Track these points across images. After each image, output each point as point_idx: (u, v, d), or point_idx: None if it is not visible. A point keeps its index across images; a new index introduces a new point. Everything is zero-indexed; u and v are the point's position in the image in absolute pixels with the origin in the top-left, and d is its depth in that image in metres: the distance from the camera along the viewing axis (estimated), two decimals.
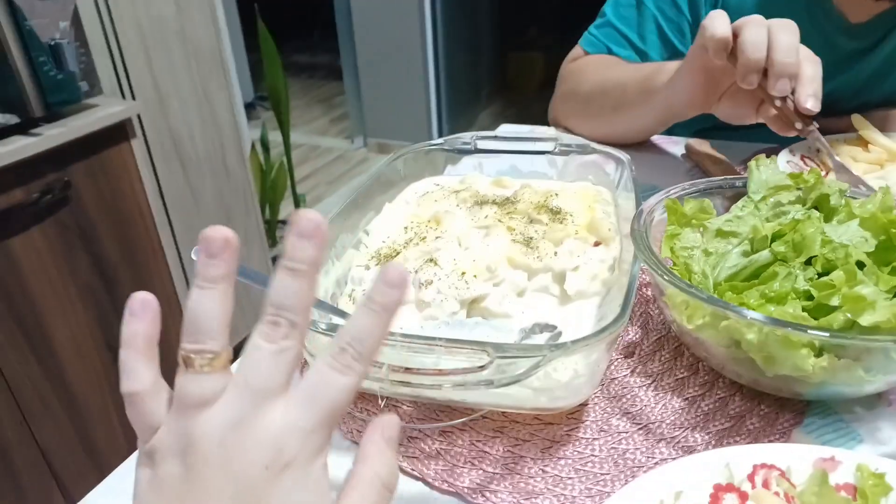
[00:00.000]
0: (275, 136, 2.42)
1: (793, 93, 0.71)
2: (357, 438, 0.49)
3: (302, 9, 5.08)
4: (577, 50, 1.08)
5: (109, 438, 1.50)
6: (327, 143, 3.93)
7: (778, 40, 0.70)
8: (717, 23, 0.73)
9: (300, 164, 3.58)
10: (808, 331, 0.40)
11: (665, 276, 0.47)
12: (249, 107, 3.87)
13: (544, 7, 4.13)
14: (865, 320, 0.41)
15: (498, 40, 4.22)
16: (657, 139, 1.02)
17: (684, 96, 0.82)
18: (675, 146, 0.99)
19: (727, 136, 0.98)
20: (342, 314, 0.52)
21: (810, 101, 0.70)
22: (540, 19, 4.18)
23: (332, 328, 0.44)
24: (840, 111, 0.92)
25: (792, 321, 0.41)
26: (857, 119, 0.84)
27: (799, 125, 0.73)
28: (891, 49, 0.91)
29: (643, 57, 1.00)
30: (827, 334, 0.40)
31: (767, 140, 0.90)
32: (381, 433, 0.30)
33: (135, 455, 0.36)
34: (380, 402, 0.50)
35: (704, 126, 1.02)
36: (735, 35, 0.72)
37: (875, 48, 0.91)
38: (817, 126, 0.74)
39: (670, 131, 1.04)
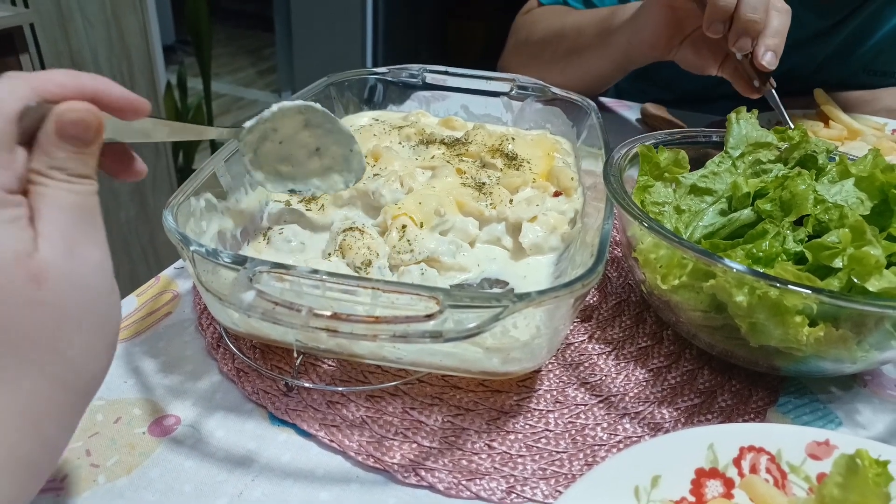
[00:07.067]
0: (195, 84, 2.22)
1: (754, 47, 0.66)
2: (262, 400, 0.40)
3: None
4: (531, 2, 1.01)
5: None
6: (252, 95, 3.69)
7: None
8: None
9: (221, 115, 3.34)
10: (820, 294, 0.34)
11: (646, 223, 0.40)
12: (170, 50, 3.59)
13: None
14: (873, 285, 0.35)
15: (440, 6, 4.09)
16: (611, 103, 0.97)
17: (646, 34, 0.75)
18: (630, 110, 0.94)
19: (683, 108, 0.93)
20: None
21: (768, 55, 0.65)
22: None
23: (240, 261, 0.35)
24: (798, 88, 0.89)
25: (794, 280, 0.35)
26: (819, 94, 0.81)
27: (756, 82, 0.69)
28: (852, 29, 0.88)
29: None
30: (842, 298, 0.34)
31: (724, 114, 0.85)
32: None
33: None
34: (294, 356, 0.41)
35: (662, 97, 0.98)
36: None
37: (837, 27, 0.89)
38: (775, 86, 0.69)
39: (624, 98, 0.98)
